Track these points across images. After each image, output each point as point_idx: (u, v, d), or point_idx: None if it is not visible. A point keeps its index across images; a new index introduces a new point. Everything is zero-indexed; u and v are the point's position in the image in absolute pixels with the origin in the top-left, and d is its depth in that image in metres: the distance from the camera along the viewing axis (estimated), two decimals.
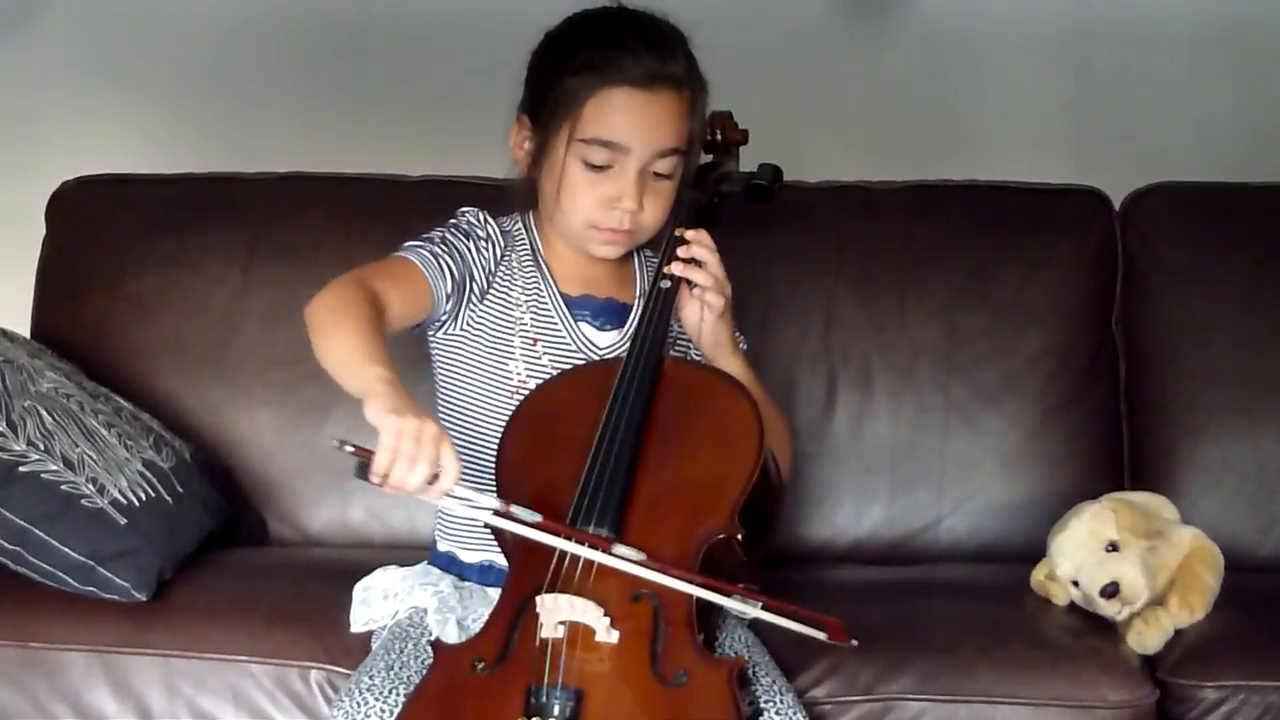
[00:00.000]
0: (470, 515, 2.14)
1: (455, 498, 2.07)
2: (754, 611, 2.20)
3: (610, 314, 2.48)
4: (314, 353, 2.21)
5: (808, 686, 2.44)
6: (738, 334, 2.47)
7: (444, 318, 2.42)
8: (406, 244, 2.41)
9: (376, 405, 2.04)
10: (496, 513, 2.12)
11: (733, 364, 2.41)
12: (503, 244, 2.47)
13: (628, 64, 2.34)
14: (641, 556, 2.10)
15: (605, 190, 2.38)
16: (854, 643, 2.21)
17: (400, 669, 2.24)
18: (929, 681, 2.45)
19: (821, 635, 2.19)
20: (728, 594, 2.15)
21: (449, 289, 2.39)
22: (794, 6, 3.63)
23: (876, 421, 3.03)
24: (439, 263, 2.38)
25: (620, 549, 2.10)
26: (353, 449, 2.02)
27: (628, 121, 2.35)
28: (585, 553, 2.11)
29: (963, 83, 3.63)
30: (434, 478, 2.02)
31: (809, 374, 3.03)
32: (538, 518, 2.10)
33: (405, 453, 2.00)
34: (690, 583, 2.09)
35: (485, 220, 2.47)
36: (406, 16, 3.65)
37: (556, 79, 2.38)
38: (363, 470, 2.02)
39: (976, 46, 3.62)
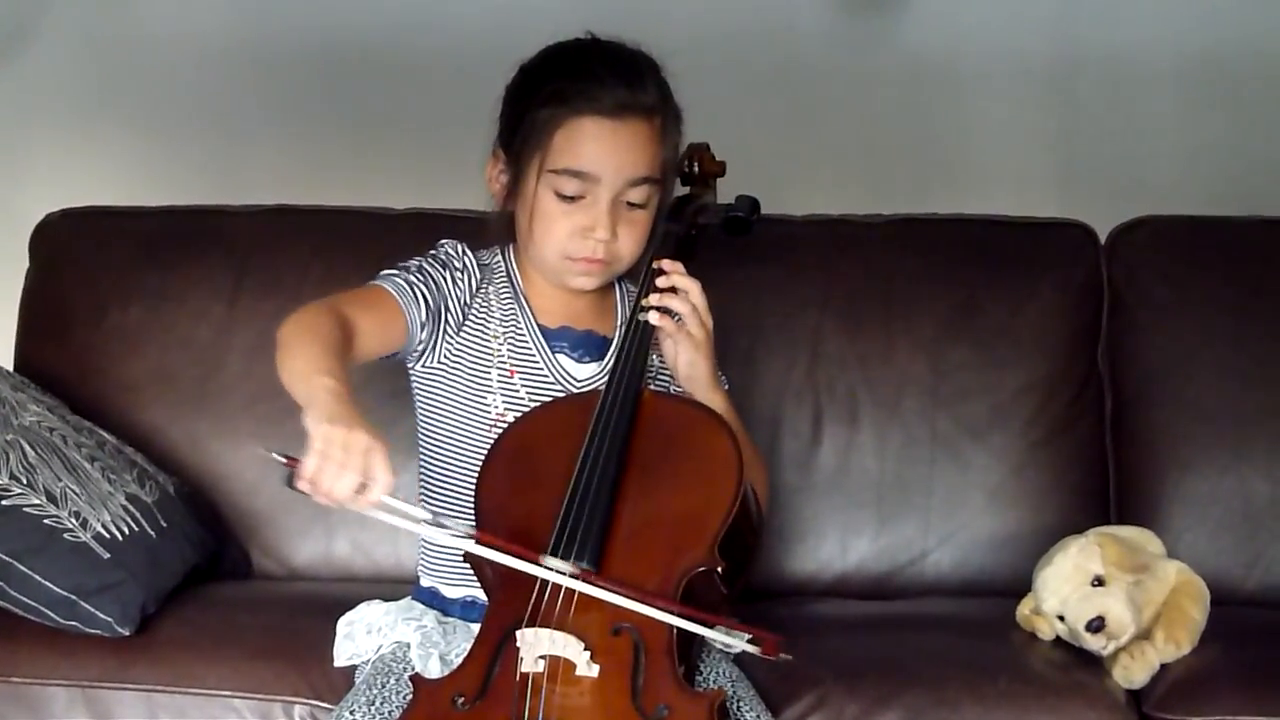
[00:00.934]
0: (416, 534, 2.15)
1: (386, 509, 2.05)
2: (739, 644, 2.19)
3: (589, 346, 2.48)
4: (277, 371, 2.21)
5: None
6: (720, 375, 2.46)
7: (420, 347, 2.42)
8: (382, 272, 2.42)
9: (313, 413, 2.04)
10: (429, 524, 2.12)
11: (713, 399, 2.40)
12: (479, 276, 2.47)
13: (597, 94, 2.35)
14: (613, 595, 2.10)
15: (578, 220, 2.38)
16: (786, 657, 2.17)
17: (381, 704, 2.24)
18: (915, 716, 2.45)
19: (755, 650, 2.17)
20: (710, 625, 2.14)
21: (423, 317, 2.39)
22: (780, 39, 3.64)
23: (862, 455, 3.02)
24: (413, 291, 2.38)
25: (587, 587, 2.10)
26: (283, 458, 2.03)
27: (598, 151, 2.36)
28: (555, 578, 2.11)
29: (949, 116, 3.64)
30: (363, 488, 2.01)
31: (795, 407, 3.03)
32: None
33: (334, 459, 1.99)
34: (670, 613, 2.09)
35: (463, 252, 2.47)
36: (392, 49, 3.66)
37: (527, 110, 2.39)
38: (290, 478, 2.02)
39: (962, 80, 3.62)
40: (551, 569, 2.12)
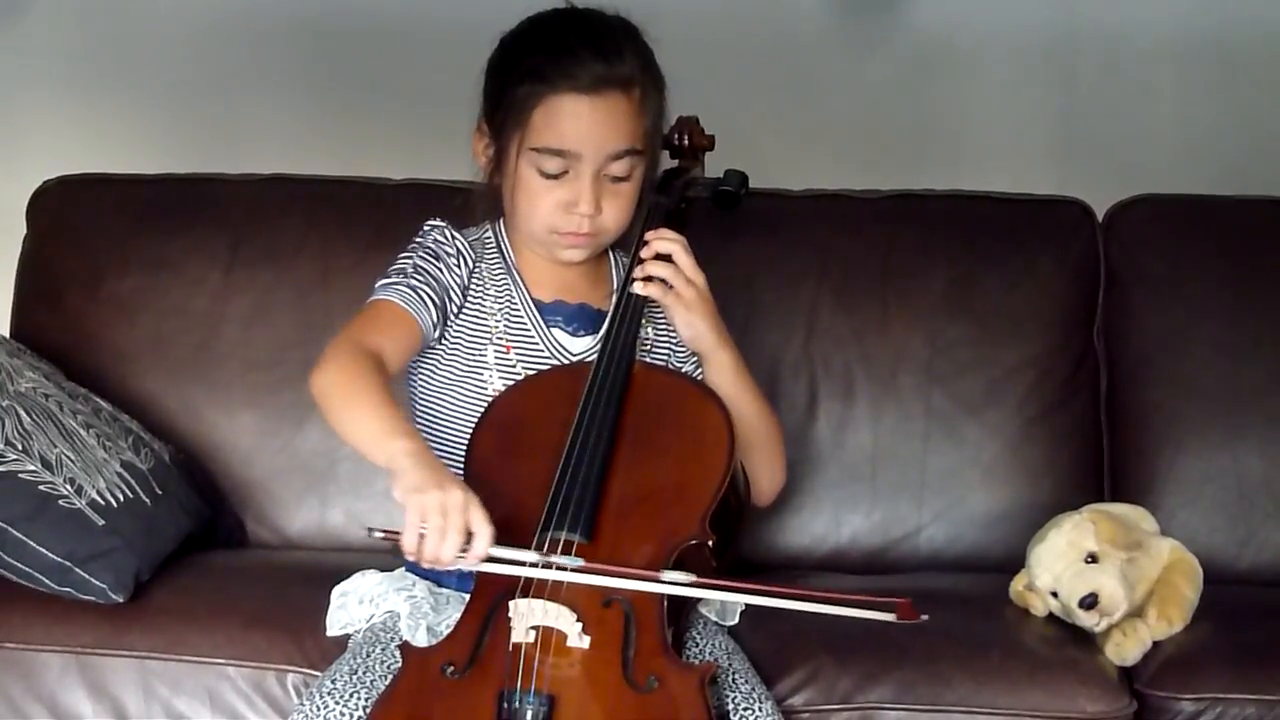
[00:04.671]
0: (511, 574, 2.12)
1: (495, 560, 2.08)
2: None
3: (583, 319, 2.48)
4: (332, 428, 2.26)
5: (786, 694, 2.44)
6: None
7: (435, 340, 2.43)
8: (381, 283, 2.41)
9: (400, 484, 2.08)
10: (532, 564, 2.11)
11: (722, 356, 2.42)
12: (472, 255, 2.47)
13: (573, 70, 2.34)
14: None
15: (561, 196, 2.38)
16: (924, 618, 2.18)
17: (365, 673, 2.24)
18: (907, 691, 2.46)
19: (890, 616, 2.17)
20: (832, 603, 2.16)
21: (434, 317, 2.40)
22: (779, 15, 3.63)
23: (857, 430, 3.02)
24: (418, 295, 2.39)
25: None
26: (382, 534, 2.07)
27: (577, 128, 2.35)
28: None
29: (947, 93, 3.64)
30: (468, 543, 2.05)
31: (790, 382, 3.03)
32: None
33: (434, 527, 2.03)
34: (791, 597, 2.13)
35: (451, 236, 2.47)
36: (389, 19, 3.66)
37: (506, 87, 2.39)
38: (397, 551, 2.07)
39: (961, 57, 3.62)
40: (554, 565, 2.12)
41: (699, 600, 2.24)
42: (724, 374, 2.43)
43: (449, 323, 2.44)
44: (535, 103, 2.35)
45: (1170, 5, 3.57)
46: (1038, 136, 3.64)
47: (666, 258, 2.38)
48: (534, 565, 2.10)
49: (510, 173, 2.40)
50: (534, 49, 2.39)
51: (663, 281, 2.38)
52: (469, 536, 2.06)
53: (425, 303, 2.39)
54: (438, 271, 2.43)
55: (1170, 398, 3.00)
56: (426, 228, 2.49)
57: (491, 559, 2.08)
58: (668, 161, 2.55)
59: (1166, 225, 3.11)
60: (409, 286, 2.39)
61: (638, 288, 2.37)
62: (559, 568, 2.10)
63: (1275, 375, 2.98)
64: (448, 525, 2.04)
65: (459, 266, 2.45)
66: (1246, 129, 3.58)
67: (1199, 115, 3.59)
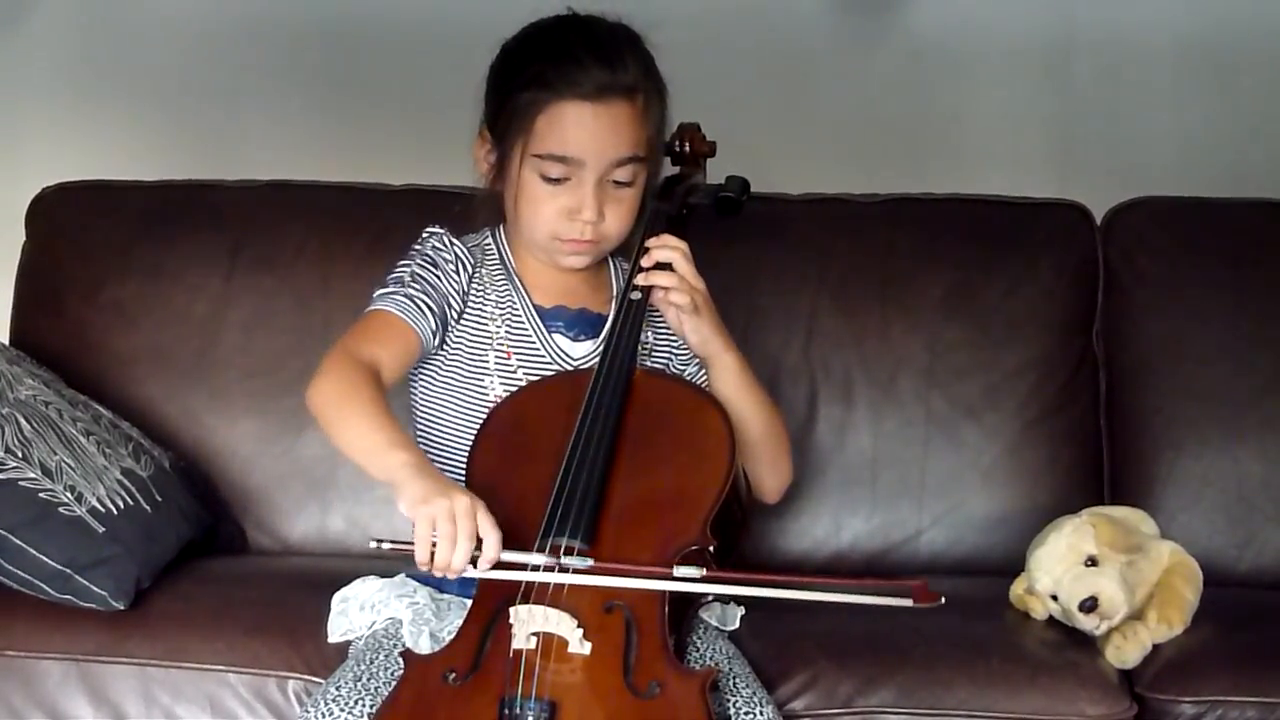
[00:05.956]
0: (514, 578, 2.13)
1: (505, 564, 2.09)
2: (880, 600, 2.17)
3: (584, 325, 2.48)
4: (330, 440, 2.27)
5: (787, 699, 2.44)
6: None
7: (435, 348, 2.43)
8: (379, 293, 2.42)
9: (405, 497, 2.09)
10: (546, 567, 2.11)
11: (728, 360, 2.42)
12: (472, 261, 2.47)
13: (577, 77, 2.34)
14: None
15: (564, 202, 2.38)
16: (942, 600, 2.16)
17: (369, 680, 2.24)
18: (907, 695, 2.46)
19: (907, 601, 2.15)
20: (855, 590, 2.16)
21: (433, 325, 2.40)
22: (775, 18, 3.64)
23: (857, 434, 3.03)
24: (416, 304, 2.39)
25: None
26: (390, 546, 2.08)
27: (580, 134, 2.35)
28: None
29: (946, 96, 3.64)
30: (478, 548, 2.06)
31: (790, 386, 3.03)
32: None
33: (445, 536, 2.04)
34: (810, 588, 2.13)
35: (450, 242, 2.47)
36: (389, 24, 3.66)
37: (509, 93, 2.39)
38: (410, 561, 2.08)
39: (960, 60, 3.62)
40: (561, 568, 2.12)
41: (701, 605, 2.24)
42: (729, 377, 2.43)
43: (449, 329, 2.44)
44: (539, 109, 2.36)
45: (1168, 8, 3.57)
46: (1036, 140, 3.64)
47: (667, 265, 2.38)
48: (545, 569, 2.10)
49: (512, 179, 2.40)
50: (537, 55, 2.39)
51: (665, 289, 2.38)
52: (479, 542, 2.06)
53: (423, 311, 2.39)
54: (436, 279, 2.43)
55: (1170, 400, 3.00)
56: (425, 234, 2.49)
57: (502, 564, 2.08)
58: (669, 168, 2.55)
59: (1165, 228, 3.11)
60: (406, 296, 2.39)
61: (638, 295, 2.37)
62: (574, 570, 2.10)
63: (1275, 377, 2.98)
64: (458, 532, 2.04)
65: (458, 273, 2.45)
66: (1245, 131, 3.58)
67: (1197, 118, 3.59)
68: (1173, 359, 3.01)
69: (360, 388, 2.24)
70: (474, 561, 2.07)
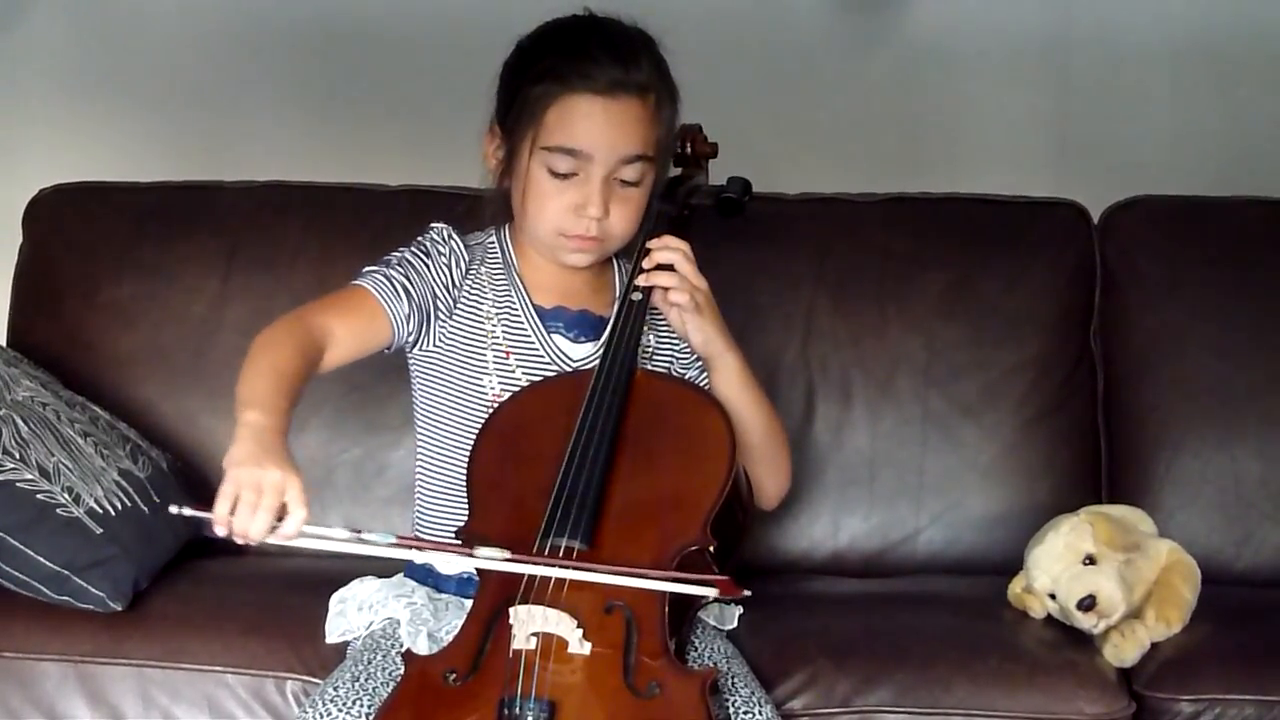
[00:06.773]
0: (378, 554, 2.13)
1: (309, 537, 2.07)
2: (710, 593, 2.17)
3: (585, 326, 2.48)
4: None
5: (785, 698, 2.44)
6: None
7: (411, 338, 2.43)
8: (364, 269, 2.42)
9: (229, 455, 2.08)
10: (354, 540, 2.10)
11: (730, 360, 2.42)
12: (468, 258, 2.47)
13: (590, 71, 2.35)
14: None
15: (571, 198, 2.38)
16: (746, 593, 2.16)
17: (366, 680, 2.24)
18: (906, 694, 2.46)
19: (712, 592, 2.15)
20: (692, 582, 2.13)
21: (406, 309, 2.39)
22: (776, 19, 3.64)
23: (855, 433, 3.03)
24: (393, 285, 2.39)
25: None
26: (190, 511, 2.06)
27: (590, 128, 2.35)
28: (545, 571, 2.11)
29: (943, 95, 3.64)
30: (279, 523, 2.04)
31: (788, 385, 3.03)
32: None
33: (246, 501, 2.03)
34: (654, 579, 2.10)
35: (449, 237, 2.47)
36: (388, 25, 3.66)
37: (521, 87, 2.39)
38: (207, 526, 2.06)
39: (957, 59, 3.63)
40: (540, 559, 2.12)
41: (702, 605, 2.24)
42: (731, 377, 2.43)
43: (437, 323, 2.43)
44: (550, 102, 2.36)
45: (1166, 7, 3.58)
46: (1034, 139, 3.64)
47: (669, 266, 2.38)
48: (347, 541, 2.09)
49: (521, 173, 2.41)
50: (551, 50, 2.40)
51: (665, 288, 2.37)
52: (283, 518, 2.04)
53: (399, 294, 2.39)
54: (424, 268, 2.43)
55: (1167, 399, 3.00)
56: (427, 228, 2.49)
57: (306, 536, 2.06)
58: (671, 170, 2.55)
59: (1162, 227, 3.11)
60: (387, 278, 2.40)
61: (639, 296, 2.37)
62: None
63: (1272, 375, 2.99)
64: (259, 502, 2.02)
65: (450, 265, 2.45)
66: (1242, 130, 3.59)
67: (1194, 117, 3.60)
68: (1170, 357, 3.01)
69: (279, 347, 2.23)
70: (277, 533, 2.04)
